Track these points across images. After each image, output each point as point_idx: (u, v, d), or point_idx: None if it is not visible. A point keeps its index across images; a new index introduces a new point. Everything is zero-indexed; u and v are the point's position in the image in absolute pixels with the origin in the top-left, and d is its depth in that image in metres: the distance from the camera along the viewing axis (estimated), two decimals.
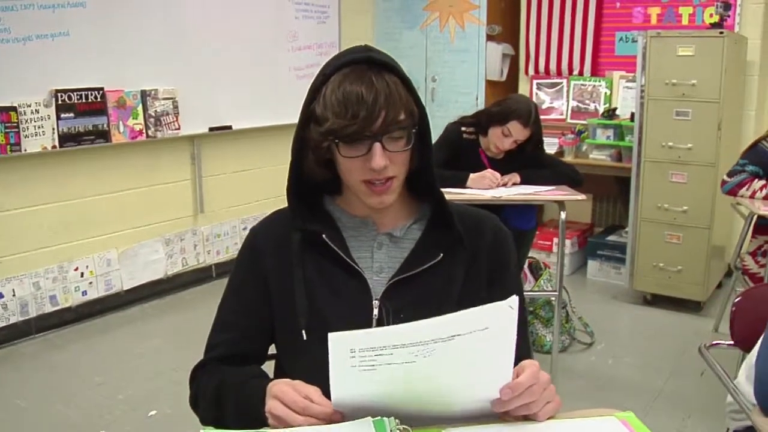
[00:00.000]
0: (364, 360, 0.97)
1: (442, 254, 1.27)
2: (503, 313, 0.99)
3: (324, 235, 1.26)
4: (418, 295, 1.26)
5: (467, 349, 0.99)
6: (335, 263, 1.27)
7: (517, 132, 3.22)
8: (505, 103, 3.28)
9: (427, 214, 1.34)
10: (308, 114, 1.23)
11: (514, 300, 0.99)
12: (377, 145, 1.19)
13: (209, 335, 1.36)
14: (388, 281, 1.26)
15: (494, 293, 1.25)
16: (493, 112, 3.29)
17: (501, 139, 3.24)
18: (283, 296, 1.28)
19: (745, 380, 1.64)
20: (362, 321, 1.24)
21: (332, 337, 0.97)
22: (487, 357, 1.02)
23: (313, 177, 1.29)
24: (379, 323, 1.24)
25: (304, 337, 1.24)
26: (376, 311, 1.25)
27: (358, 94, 1.17)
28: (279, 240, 1.31)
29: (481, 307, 0.99)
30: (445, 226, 1.30)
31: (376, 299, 1.26)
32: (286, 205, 1.33)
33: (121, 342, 3.75)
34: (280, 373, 1.33)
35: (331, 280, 1.27)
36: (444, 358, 0.99)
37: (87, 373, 3.35)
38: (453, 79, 5.51)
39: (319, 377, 1.21)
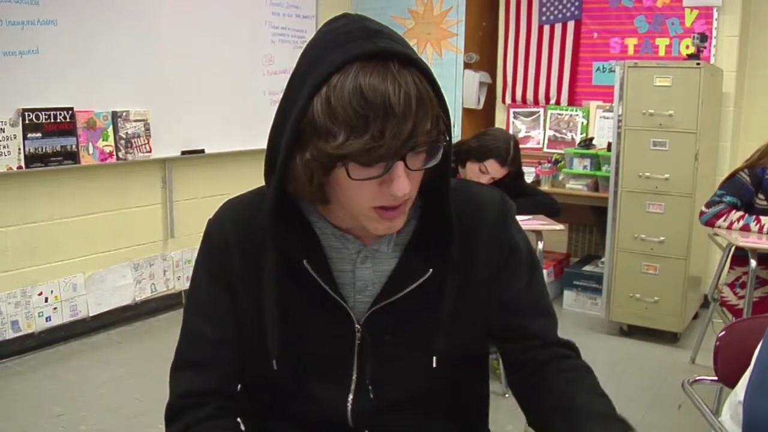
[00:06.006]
0: None
1: (431, 270, 1.08)
2: None
3: (305, 261, 1.07)
4: (405, 315, 1.10)
5: None
6: (314, 285, 1.09)
7: (494, 170, 3.18)
8: (483, 138, 3.22)
9: (418, 210, 1.11)
10: (301, 121, 0.93)
11: None
12: (399, 165, 0.93)
13: (179, 346, 1.17)
14: (371, 306, 1.10)
15: (498, 292, 1.15)
16: (472, 147, 3.23)
17: (478, 175, 3.20)
18: (252, 312, 1.11)
19: (729, 420, 1.59)
20: (343, 349, 1.11)
21: None
22: None
23: (300, 196, 1.04)
24: (361, 349, 1.11)
25: (275, 367, 1.09)
26: (358, 335, 1.10)
27: (384, 98, 0.88)
28: (243, 237, 1.13)
29: None
30: (436, 228, 1.08)
31: (358, 324, 1.10)
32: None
33: (85, 370, 3.61)
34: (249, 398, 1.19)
35: (307, 303, 1.10)
36: None
37: (47, 403, 3.21)
38: None
39: (287, 410, 1.14)
